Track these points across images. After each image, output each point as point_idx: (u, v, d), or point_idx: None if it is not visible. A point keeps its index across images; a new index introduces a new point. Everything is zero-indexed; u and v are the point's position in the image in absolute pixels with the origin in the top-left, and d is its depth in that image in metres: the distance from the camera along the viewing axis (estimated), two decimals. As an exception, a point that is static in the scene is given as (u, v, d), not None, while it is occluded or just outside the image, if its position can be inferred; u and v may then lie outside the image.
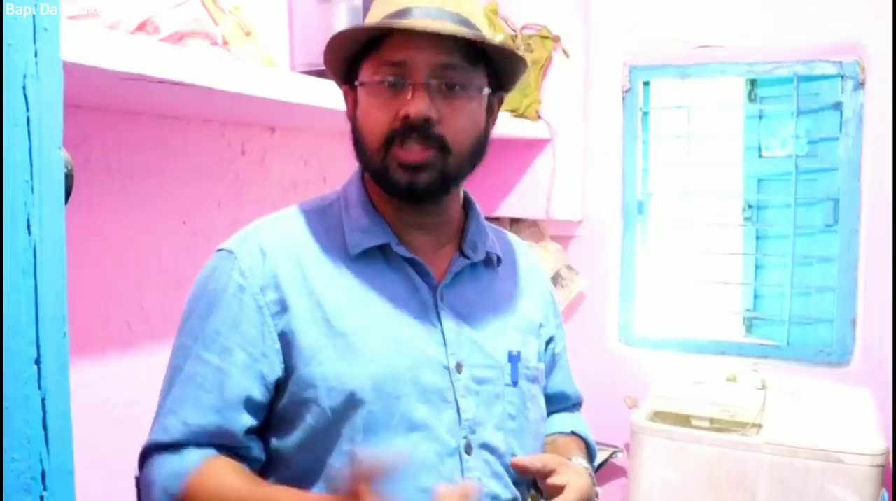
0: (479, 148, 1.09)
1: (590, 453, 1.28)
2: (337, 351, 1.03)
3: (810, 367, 2.32)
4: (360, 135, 1.07)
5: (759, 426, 2.01)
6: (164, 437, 1.03)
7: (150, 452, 1.04)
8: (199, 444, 1.02)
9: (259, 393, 1.03)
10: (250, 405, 1.03)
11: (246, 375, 1.02)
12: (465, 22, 1.03)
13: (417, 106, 1.00)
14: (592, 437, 1.31)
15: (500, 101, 1.15)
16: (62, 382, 0.59)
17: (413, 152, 1.02)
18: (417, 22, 1.00)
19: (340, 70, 1.11)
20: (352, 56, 1.08)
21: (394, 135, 1.02)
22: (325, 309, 1.04)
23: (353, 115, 1.10)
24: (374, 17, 1.06)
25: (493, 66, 1.09)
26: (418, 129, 1.01)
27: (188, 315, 1.08)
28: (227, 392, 1.02)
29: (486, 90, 1.08)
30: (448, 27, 1.00)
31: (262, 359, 1.03)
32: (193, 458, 1.01)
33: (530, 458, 1.09)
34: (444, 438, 1.04)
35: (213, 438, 1.03)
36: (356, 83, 1.08)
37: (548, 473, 1.07)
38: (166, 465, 1.02)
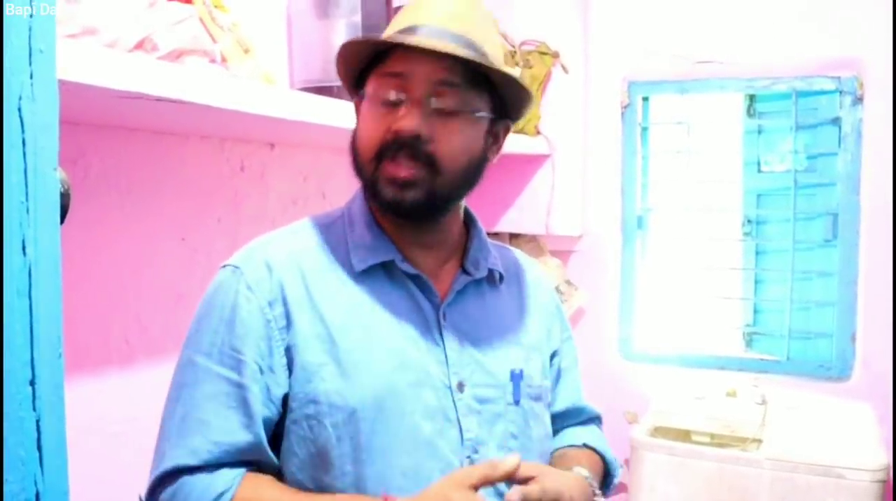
0: (473, 171, 1.08)
1: (606, 466, 1.24)
2: (339, 367, 1.02)
3: (810, 382, 2.31)
4: (355, 147, 1.08)
5: (760, 441, 2.01)
6: (191, 460, 0.99)
7: (173, 475, 1.00)
8: (231, 463, 1.00)
9: (268, 409, 1.02)
10: (266, 419, 1.02)
11: (261, 389, 1.01)
12: (471, 45, 1.03)
13: (409, 122, 1.00)
14: (610, 451, 1.27)
15: (507, 130, 1.15)
16: (57, 403, 0.59)
17: (400, 168, 1.02)
18: (419, 39, 1.00)
19: (350, 82, 1.12)
20: (361, 69, 1.09)
21: (385, 149, 1.02)
22: (328, 326, 1.04)
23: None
24: (387, 33, 1.07)
25: (499, 93, 1.09)
26: (408, 145, 1.01)
27: (195, 330, 1.06)
28: (251, 407, 1.00)
29: (486, 114, 1.08)
30: (448, 46, 1.00)
31: (270, 374, 1.02)
32: (232, 476, 0.99)
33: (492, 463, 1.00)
34: (447, 457, 1.03)
35: (245, 455, 1.01)
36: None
37: (523, 482, 1.00)
38: (198, 487, 0.98)
